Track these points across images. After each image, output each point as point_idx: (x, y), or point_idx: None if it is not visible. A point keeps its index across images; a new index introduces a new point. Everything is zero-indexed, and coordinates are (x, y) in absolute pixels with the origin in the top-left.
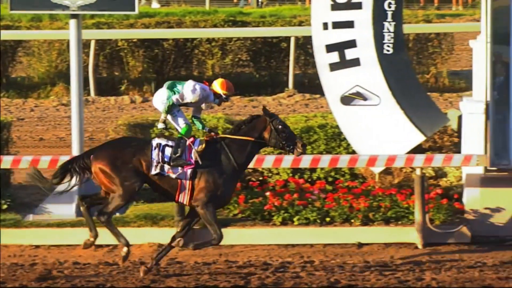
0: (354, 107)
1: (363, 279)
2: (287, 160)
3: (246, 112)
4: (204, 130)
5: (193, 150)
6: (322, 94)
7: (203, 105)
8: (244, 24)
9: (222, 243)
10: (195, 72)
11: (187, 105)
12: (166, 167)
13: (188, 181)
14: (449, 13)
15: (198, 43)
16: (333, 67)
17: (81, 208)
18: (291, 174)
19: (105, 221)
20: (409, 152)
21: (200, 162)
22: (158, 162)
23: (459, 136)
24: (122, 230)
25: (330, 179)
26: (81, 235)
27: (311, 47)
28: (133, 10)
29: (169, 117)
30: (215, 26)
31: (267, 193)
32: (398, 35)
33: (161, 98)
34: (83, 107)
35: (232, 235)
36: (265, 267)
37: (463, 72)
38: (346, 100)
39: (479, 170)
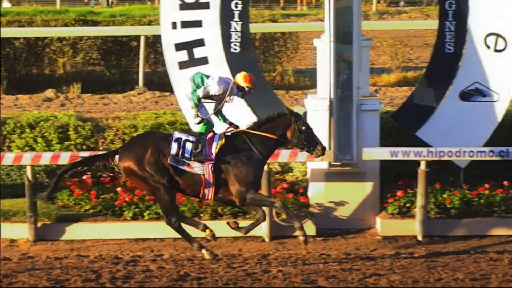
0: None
1: (212, 271)
2: None
3: (97, 110)
4: (226, 123)
5: (213, 145)
6: (172, 91)
7: (227, 98)
8: (94, 23)
9: (73, 238)
10: (46, 71)
11: (211, 98)
12: (187, 162)
13: (211, 177)
14: (294, 13)
15: (49, 42)
16: (182, 65)
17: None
18: None
19: (175, 226)
20: None
21: (223, 156)
22: (176, 155)
23: None
24: None
25: None
26: None
27: (161, 46)
28: None
29: (191, 111)
30: (66, 25)
31: (118, 189)
32: (245, 34)
33: (186, 92)
34: None
35: (84, 230)
36: (116, 261)
37: (308, 70)
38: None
39: (324, 165)
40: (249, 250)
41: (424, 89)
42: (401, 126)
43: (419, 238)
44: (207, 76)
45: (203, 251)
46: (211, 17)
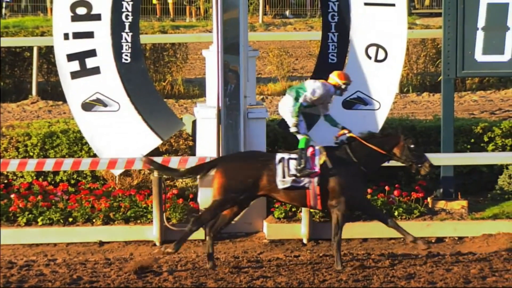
0: (95, 113)
1: (104, 275)
2: (31, 164)
3: None
4: (338, 127)
5: (316, 158)
6: (65, 101)
7: (330, 98)
8: None
9: None
10: None
11: (314, 103)
12: (293, 179)
13: (317, 188)
14: (183, 25)
15: None
16: (74, 75)
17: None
18: (35, 177)
19: (194, 229)
20: (147, 155)
21: (326, 168)
22: (284, 176)
23: (194, 140)
24: None
25: (72, 181)
26: None
27: (54, 56)
28: None
29: (288, 121)
30: None
31: (12, 195)
32: (136, 45)
33: (287, 106)
34: None
35: None
36: (10, 265)
37: (197, 79)
38: (87, 106)
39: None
40: (140, 254)
41: None
42: (287, 133)
43: (305, 241)
44: (300, 88)
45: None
46: (102, 29)
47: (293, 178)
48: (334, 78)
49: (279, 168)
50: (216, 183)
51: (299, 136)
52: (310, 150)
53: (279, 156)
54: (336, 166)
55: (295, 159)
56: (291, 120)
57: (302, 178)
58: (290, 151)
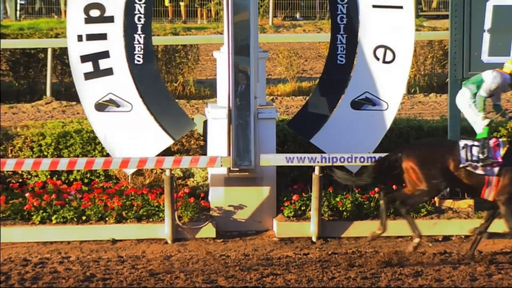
0: (108, 113)
1: (117, 272)
2: (45, 163)
3: (6, 119)
4: (505, 117)
5: (500, 149)
6: (78, 101)
7: (507, 87)
8: (3, 36)
9: None
10: None
11: (492, 93)
12: (476, 165)
13: (495, 178)
14: (194, 26)
15: None
16: (88, 76)
17: (381, 202)
18: (49, 176)
19: (404, 212)
20: (159, 155)
21: (507, 161)
22: (467, 161)
23: (205, 140)
24: None
25: (86, 180)
26: None
27: (67, 58)
28: None
29: (468, 115)
30: None
31: (27, 194)
32: (148, 47)
33: (465, 98)
34: None
35: None
36: (25, 263)
37: (208, 80)
38: (100, 106)
39: (223, 170)
40: (152, 252)
41: (318, 98)
42: (297, 133)
43: (314, 239)
44: (475, 80)
45: (416, 240)
46: (115, 30)
47: (471, 163)
48: (510, 66)
49: (462, 154)
50: (413, 174)
51: (480, 129)
52: (493, 140)
53: (462, 142)
54: None
55: (478, 146)
56: (478, 114)
57: (485, 167)
58: (473, 139)
